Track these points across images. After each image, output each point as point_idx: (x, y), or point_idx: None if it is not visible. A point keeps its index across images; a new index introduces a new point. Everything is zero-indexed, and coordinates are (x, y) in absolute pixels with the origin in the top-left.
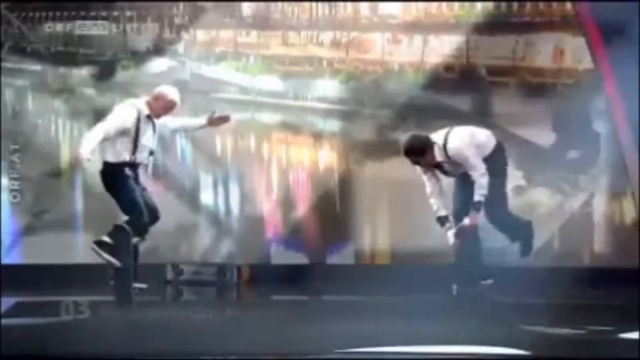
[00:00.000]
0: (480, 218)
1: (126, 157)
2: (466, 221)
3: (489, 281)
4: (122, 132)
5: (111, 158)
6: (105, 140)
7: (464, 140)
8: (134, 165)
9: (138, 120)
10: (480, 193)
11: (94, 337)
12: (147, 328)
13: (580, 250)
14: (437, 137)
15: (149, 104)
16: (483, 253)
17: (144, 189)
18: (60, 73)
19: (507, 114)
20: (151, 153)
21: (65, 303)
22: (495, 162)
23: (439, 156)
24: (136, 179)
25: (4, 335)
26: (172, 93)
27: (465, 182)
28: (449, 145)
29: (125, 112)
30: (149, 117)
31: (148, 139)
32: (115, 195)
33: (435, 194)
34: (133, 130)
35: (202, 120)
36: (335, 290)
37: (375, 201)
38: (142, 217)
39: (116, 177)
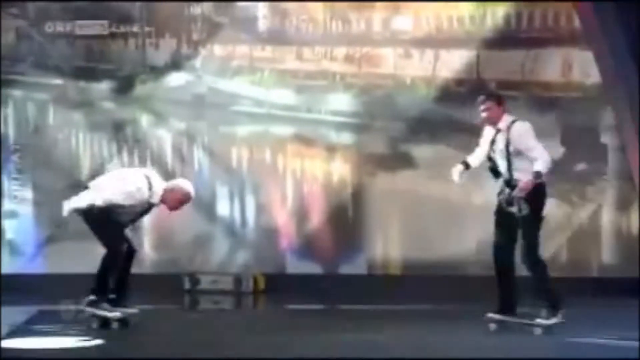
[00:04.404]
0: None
1: (117, 201)
2: (522, 183)
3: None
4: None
5: (100, 202)
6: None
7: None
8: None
9: (142, 200)
10: (544, 165)
11: (113, 344)
12: (165, 335)
13: (588, 261)
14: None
15: (164, 194)
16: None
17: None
18: (80, 87)
19: None
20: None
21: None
22: (536, 198)
23: (503, 122)
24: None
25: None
26: (188, 186)
27: (506, 219)
28: (516, 121)
29: (138, 187)
30: (152, 204)
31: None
32: (97, 233)
33: (476, 153)
34: (136, 202)
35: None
36: (348, 300)
37: (388, 212)
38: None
39: (101, 217)
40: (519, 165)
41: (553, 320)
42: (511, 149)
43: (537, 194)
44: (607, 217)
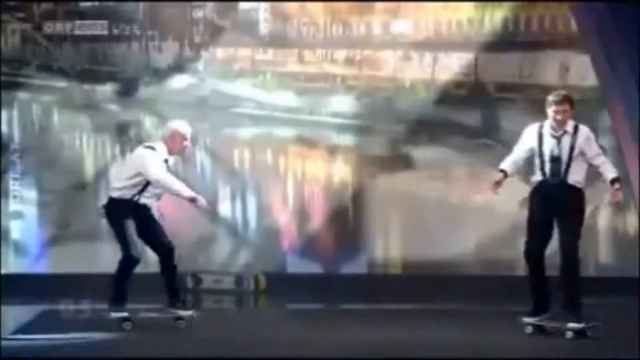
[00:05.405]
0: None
1: (131, 195)
2: (616, 193)
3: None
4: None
5: (116, 194)
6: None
7: None
8: (136, 204)
9: (161, 158)
10: (615, 171)
11: (114, 344)
12: (166, 334)
13: (585, 261)
14: None
15: (167, 144)
16: None
17: (151, 227)
18: (85, 90)
19: (514, 129)
20: (158, 198)
21: (90, 312)
22: (582, 197)
23: (569, 125)
24: (138, 216)
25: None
26: (182, 126)
27: (543, 219)
28: (579, 125)
29: (155, 157)
30: (165, 161)
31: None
32: (113, 230)
33: (515, 154)
34: (158, 161)
35: (190, 194)
36: (348, 299)
37: (388, 213)
38: (130, 252)
39: (116, 213)
40: (573, 169)
41: (583, 324)
42: (575, 152)
43: (582, 194)
44: (606, 218)
